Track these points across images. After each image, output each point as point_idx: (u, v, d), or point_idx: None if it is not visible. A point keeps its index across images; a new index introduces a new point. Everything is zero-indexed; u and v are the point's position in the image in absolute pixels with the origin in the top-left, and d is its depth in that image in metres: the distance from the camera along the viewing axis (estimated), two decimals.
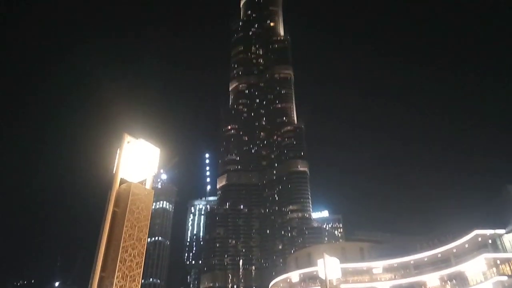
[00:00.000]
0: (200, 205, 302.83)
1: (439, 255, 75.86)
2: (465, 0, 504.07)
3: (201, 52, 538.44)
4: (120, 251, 31.06)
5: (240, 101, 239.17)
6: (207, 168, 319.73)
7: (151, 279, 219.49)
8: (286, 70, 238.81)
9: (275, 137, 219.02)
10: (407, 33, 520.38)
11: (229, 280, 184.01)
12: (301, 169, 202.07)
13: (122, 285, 30.25)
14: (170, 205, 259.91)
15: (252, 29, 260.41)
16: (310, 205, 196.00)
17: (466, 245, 71.61)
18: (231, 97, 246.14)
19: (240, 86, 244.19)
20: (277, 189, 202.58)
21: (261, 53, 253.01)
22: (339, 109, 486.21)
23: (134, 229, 32.79)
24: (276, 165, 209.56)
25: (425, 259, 77.76)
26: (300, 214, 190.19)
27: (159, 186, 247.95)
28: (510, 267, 66.10)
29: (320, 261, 43.96)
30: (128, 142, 38.62)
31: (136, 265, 31.88)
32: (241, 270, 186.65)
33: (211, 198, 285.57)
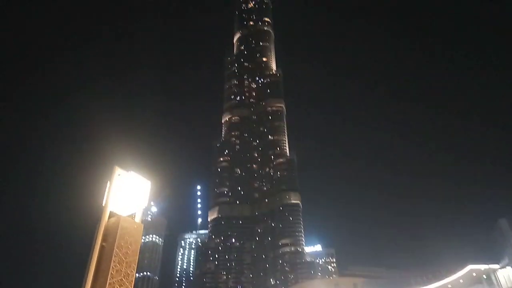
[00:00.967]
0: (190, 238, 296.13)
1: None
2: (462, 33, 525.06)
3: (194, 85, 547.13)
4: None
5: (233, 133, 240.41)
6: (199, 200, 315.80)
7: None
8: (278, 103, 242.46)
9: (268, 169, 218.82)
10: (394, 66, 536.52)
11: None
12: (294, 201, 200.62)
13: None
14: (160, 239, 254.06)
15: (245, 64, 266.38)
16: (303, 239, 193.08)
17: (461, 281, 70.75)
18: (224, 129, 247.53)
19: (233, 118, 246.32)
20: (270, 222, 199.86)
21: (253, 86, 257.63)
22: (331, 141, 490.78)
23: (122, 264, 31.82)
24: (269, 197, 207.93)
25: None
26: (292, 248, 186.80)
27: (149, 219, 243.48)
28: None
29: None
30: (118, 175, 38.30)
31: None
32: None
33: (202, 232, 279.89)
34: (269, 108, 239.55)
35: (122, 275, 31.80)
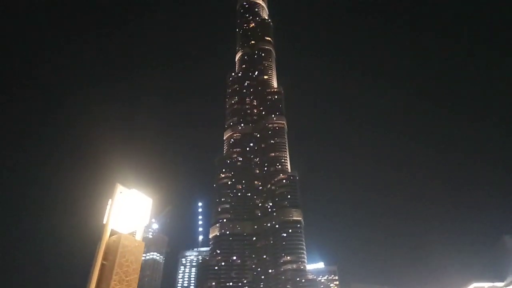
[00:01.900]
0: (191, 256, 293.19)
1: None
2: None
3: (196, 102, 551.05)
4: None
5: (234, 150, 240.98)
6: (200, 217, 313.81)
7: None
8: (280, 120, 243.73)
9: (269, 185, 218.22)
10: (398, 81, 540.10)
11: None
12: (295, 218, 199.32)
13: None
14: (161, 256, 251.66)
15: (247, 81, 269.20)
16: (305, 256, 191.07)
17: None
18: (226, 146, 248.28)
19: (235, 135, 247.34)
20: (271, 239, 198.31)
21: (255, 103, 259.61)
22: (332, 158, 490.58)
23: (123, 283, 31.85)
24: (270, 214, 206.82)
25: None
26: (294, 266, 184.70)
27: (150, 236, 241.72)
28: None
29: None
30: (120, 192, 38.63)
31: None
32: None
33: (203, 249, 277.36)
34: (270, 125, 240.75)
35: None
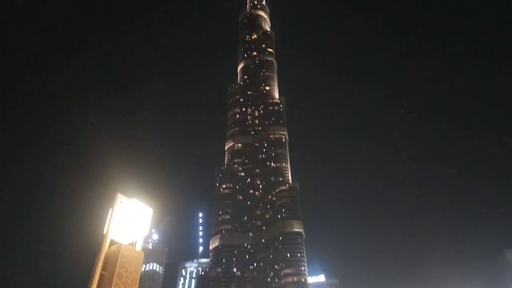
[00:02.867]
0: (191, 267, 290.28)
1: None
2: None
3: (197, 112, 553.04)
4: None
5: (235, 160, 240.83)
6: (200, 228, 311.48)
7: None
8: (281, 131, 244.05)
9: (270, 196, 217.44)
10: (400, 93, 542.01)
11: None
12: (296, 230, 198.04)
13: None
14: (160, 267, 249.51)
15: (249, 92, 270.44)
16: (306, 269, 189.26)
17: None
18: (227, 156, 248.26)
19: (236, 145, 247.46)
20: (272, 251, 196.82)
21: (256, 114, 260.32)
22: (334, 169, 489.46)
23: None
24: (271, 225, 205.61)
25: None
26: (295, 278, 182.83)
27: (150, 247, 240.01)
28: None
29: None
30: (120, 202, 38.48)
31: None
32: None
33: (203, 260, 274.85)
34: (271, 136, 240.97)
35: None
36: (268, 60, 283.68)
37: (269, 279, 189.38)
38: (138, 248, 37.08)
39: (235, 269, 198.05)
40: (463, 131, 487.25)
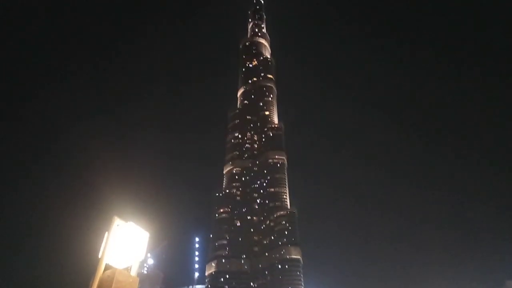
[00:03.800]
0: None
1: None
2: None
3: (196, 135, 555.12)
4: None
5: (234, 184, 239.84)
6: (196, 253, 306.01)
7: None
8: (280, 155, 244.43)
9: (268, 222, 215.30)
10: (402, 113, 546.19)
11: None
12: (294, 256, 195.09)
13: None
14: None
15: (248, 117, 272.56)
16: None
17: None
18: (224, 180, 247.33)
19: (234, 169, 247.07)
20: (269, 278, 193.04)
21: (255, 139, 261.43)
22: (333, 195, 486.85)
23: None
24: (268, 251, 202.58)
25: None
26: None
27: (145, 272, 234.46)
28: None
29: None
30: (117, 225, 38.26)
31: None
32: None
33: (198, 287, 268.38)
34: (270, 160, 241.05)
35: None
36: (268, 85, 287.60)
37: None
38: (134, 273, 36.44)
39: None
40: (466, 160, 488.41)
